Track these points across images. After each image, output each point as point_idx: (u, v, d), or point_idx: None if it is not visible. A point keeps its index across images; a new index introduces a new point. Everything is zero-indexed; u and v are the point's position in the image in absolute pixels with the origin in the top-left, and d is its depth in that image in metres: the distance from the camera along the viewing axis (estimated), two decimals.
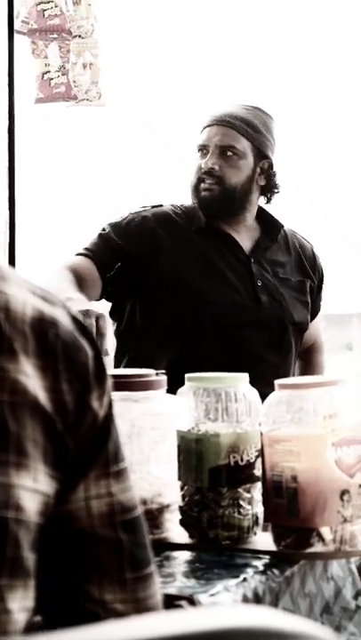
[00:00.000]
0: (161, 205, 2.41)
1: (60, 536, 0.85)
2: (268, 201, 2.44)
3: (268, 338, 2.33)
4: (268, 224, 2.46)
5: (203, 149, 2.35)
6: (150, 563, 0.90)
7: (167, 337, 2.28)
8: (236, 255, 2.37)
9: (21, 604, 0.79)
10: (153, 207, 2.40)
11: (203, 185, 2.33)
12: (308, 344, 2.54)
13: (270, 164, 2.39)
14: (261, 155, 2.37)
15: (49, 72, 2.66)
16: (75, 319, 0.88)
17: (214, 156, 2.33)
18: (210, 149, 2.33)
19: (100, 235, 2.33)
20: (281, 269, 2.42)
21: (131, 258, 2.30)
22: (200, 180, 2.34)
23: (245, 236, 2.41)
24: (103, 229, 2.34)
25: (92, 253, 2.29)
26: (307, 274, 2.49)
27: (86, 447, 0.85)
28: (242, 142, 2.34)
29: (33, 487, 0.80)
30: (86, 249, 2.30)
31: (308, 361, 2.57)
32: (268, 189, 2.41)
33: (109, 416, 0.88)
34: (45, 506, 0.82)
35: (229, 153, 2.33)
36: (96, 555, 0.87)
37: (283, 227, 2.48)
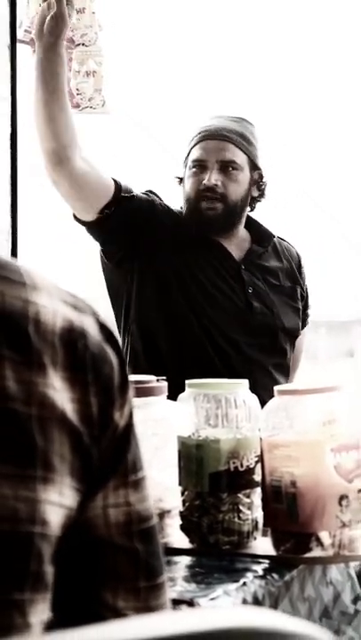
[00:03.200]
0: (153, 197, 2.40)
1: (77, 543, 0.85)
2: (252, 209, 2.45)
3: (260, 343, 2.34)
4: (258, 233, 2.46)
5: (200, 165, 2.32)
6: (163, 572, 0.90)
7: (157, 334, 2.29)
8: (226, 263, 2.37)
9: (40, 617, 0.80)
10: (147, 193, 2.39)
11: (205, 203, 2.31)
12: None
13: (261, 175, 2.40)
14: (255, 166, 2.38)
15: None
16: (102, 327, 0.88)
17: (215, 172, 2.31)
18: (209, 165, 2.31)
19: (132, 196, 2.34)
20: (272, 276, 2.43)
21: (140, 227, 2.31)
22: (201, 198, 2.32)
23: (236, 246, 2.41)
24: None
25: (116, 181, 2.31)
26: (297, 280, 2.50)
27: (107, 457, 0.86)
28: (240, 156, 2.34)
29: (59, 501, 0.81)
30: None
31: None
32: (257, 199, 2.42)
33: (129, 425, 0.88)
34: (68, 519, 0.82)
35: (230, 168, 2.32)
36: (112, 563, 0.87)
37: (274, 236, 2.48)
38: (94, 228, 2.31)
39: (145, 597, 0.88)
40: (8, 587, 0.78)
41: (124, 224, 2.30)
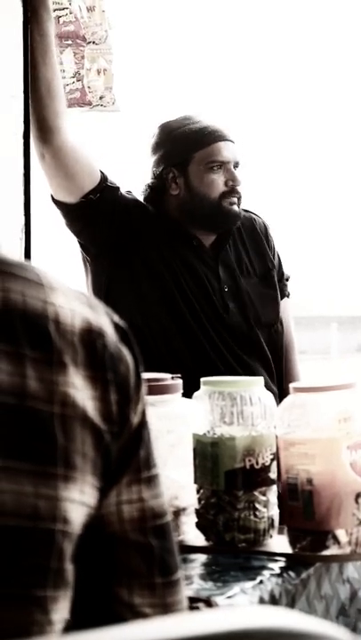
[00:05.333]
0: (133, 195, 2.39)
1: (92, 540, 0.86)
2: None
3: (238, 342, 2.33)
4: None
5: (220, 165, 2.32)
6: (178, 569, 0.91)
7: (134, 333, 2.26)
8: (203, 261, 2.36)
9: (61, 614, 0.80)
10: (128, 192, 2.39)
11: (226, 201, 2.32)
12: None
13: None
14: None
15: (64, 78, 2.67)
16: (117, 326, 0.89)
17: (233, 172, 2.32)
18: (228, 166, 2.32)
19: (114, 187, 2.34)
20: (244, 263, 2.42)
21: (121, 218, 2.30)
22: (223, 197, 2.31)
23: (212, 241, 2.40)
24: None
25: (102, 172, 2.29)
26: (266, 254, 2.47)
27: (122, 454, 0.87)
28: None
29: (80, 500, 0.81)
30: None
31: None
32: None
33: (142, 423, 0.89)
34: (88, 517, 0.83)
35: (236, 168, 2.34)
36: (127, 559, 0.88)
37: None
38: (75, 212, 2.29)
39: (161, 594, 0.88)
40: (29, 583, 0.78)
41: (106, 213, 2.28)
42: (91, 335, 0.85)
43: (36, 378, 0.80)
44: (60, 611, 0.80)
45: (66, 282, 0.88)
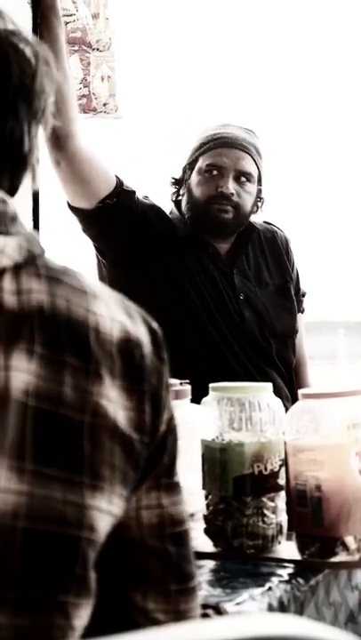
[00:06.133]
0: (150, 200, 2.39)
1: (111, 544, 0.86)
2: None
3: (253, 350, 2.33)
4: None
5: (216, 170, 2.31)
6: (194, 577, 0.91)
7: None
8: (219, 268, 2.35)
9: (83, 621, 0.81)
10: (145, 197, 2.39)
11: (216, 207, 2.30)
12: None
13: (260, 190, 2.39)
14: (260, 181, 2.38)
15: None
16: (153, 334, 0.90)
17: (231, 180, 2.30)
18: (225, 172, 2.30)
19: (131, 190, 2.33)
20: (262, 276, 2.42)
21: (137, 225, 2.30)
22: (213, 202, 2.30)
23: (227, 250, 2.40)
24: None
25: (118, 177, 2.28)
26: (286, 270, 2.47)
27: (147, 462, 0.87)
28: (254, 169, 2.34)
29: (108, 509, 0.82)
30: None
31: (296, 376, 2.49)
32: (254, 213, 2.41)
33: (167, 431, 0.90)
34: (112, 526, 0.83)
35: (243, 179, 2.32)
36: (143, 564, 0.88)
37: (256, 230, 2.45)
38: (92, 217, 2.28)
39: (175, 601, 0.89)
40: (53, 588, 0.79)
41: (123, 217, 2.28)
42: (129, 345, 0.86)
43: (72, 386, 0.81)
44: (82, 617, 0.81)
45: (105, 288, 0.89)
